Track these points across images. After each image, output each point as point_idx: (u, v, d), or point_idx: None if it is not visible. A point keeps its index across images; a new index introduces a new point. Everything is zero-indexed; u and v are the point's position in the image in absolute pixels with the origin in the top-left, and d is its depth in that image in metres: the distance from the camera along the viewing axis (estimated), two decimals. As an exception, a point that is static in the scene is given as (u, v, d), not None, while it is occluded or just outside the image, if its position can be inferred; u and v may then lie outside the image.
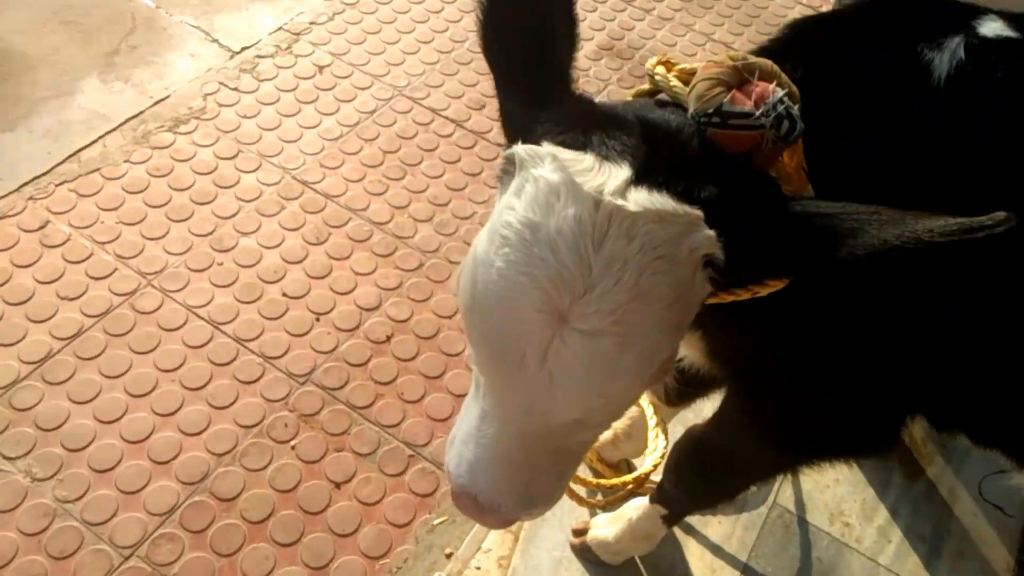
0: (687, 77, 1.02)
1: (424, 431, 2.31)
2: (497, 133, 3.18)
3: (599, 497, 2.08)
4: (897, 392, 1.34)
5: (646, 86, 1.11)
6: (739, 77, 0.96)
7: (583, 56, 3.60)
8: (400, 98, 3.24)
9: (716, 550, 2.11)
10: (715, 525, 2.15)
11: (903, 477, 2.29)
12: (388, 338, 2.49)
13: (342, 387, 2.35)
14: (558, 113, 0.96)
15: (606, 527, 2.03)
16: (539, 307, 0.87)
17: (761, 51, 1.18)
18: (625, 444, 2.13)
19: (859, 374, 1.27)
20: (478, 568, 2.00)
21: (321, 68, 3.30)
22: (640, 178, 0.87)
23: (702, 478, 1.73)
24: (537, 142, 0.91)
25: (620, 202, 0.84)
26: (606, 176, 0.86)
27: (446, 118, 3.20)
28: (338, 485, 2.17)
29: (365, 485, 2.17)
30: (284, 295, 2.54)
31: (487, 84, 3.37)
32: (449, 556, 2.06)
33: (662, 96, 1.07)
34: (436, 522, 2.15)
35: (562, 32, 0.99)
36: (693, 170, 0.91)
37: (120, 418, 2.19)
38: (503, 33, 0.97)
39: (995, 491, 2.25)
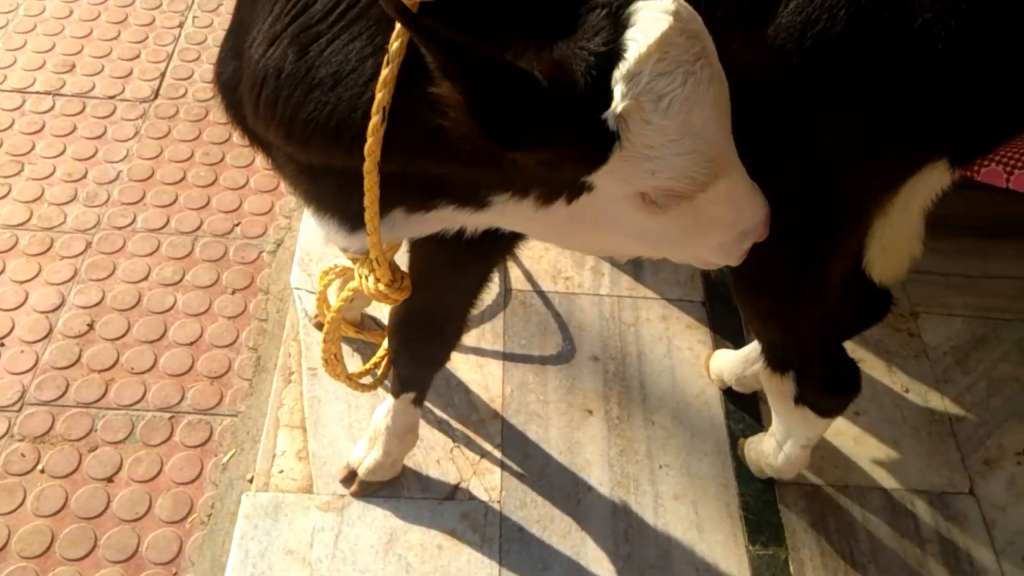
0: None
1: (173, 390, 2.24)
2: (105, 86, 2.95)
3: (371, 379, 1.97)
4: None
5: None
6: None
7: (154, -21, 3.38)
8: (-26, 93, 2.87)
9: (477, 351, 2.33)
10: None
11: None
12: (90, 326, 2.34)
13: (65, 393, 2.20)
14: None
15: (371, 451, 1.98)
16: None
17: None
18: (357, 300, 2.20)
19: None
20: (282, 472, 2.05)
21: None
22: None
23: (422, 341, 1.78)
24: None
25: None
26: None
27: (37, 93, 2.90)
28: (110, 479, 2.07)
29: (138, 466, 2.10)
30: (-51, 339, 2.26)
31: (64, 43, 3.08)
32: (251, 480, 2.08)
33: None
34: (226, 459, 2.14)
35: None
36: None
37: None
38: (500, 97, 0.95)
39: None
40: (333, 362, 1.79)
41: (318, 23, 1.11)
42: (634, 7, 0.99)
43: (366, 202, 1.20)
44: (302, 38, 1.12)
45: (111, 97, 2.94)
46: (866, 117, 1.20)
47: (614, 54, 0.98)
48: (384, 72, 1.03)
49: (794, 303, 1.34)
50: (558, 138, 1.01)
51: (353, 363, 2.27)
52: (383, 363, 1.93)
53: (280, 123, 1.17)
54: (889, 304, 1.85)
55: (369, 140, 1.08)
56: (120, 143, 2.80)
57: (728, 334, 2.40)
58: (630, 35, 0.98)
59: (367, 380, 1.93)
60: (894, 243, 1.50)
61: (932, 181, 1.36)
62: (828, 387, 1.73)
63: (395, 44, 1.01)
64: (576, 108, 0.98)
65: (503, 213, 1.19)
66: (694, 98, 1.00)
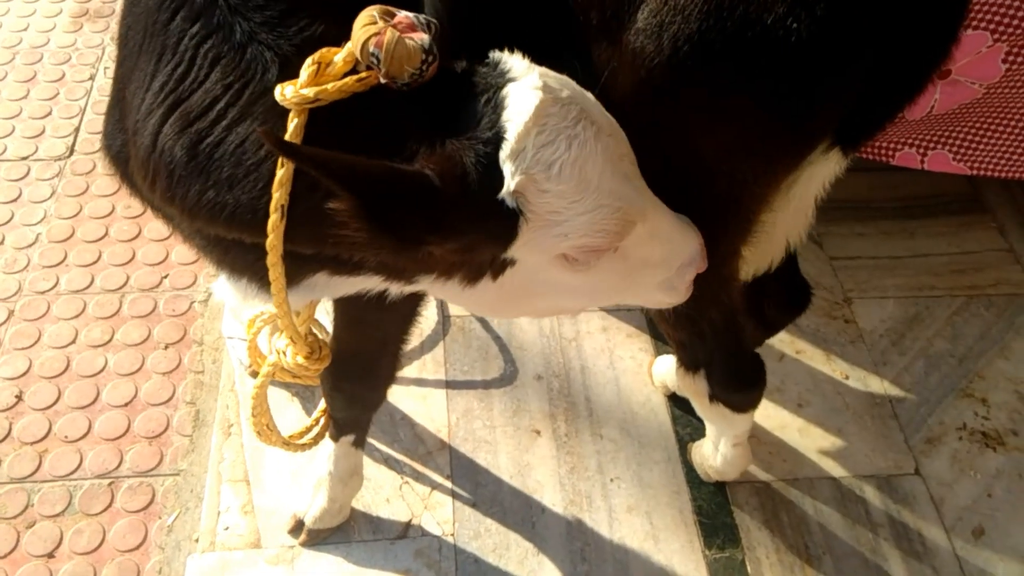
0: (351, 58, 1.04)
1: (110, 455, 2.18)
2: (17, 147, 2.87)
3: (310, 437, 1.90)
4: None
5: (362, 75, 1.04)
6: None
7: (61, 31, 3.30)
8: None
9: (419, 382, 2.31)
10: (407, 365, 2.33)
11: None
12: (18, 397, 2.26)
13: (-4, 470, 2.13)
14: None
15: (316, 499, 1.96)
16: None
17: None
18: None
19: None
20: (227, 528, 2.00)
21: None
22: None
23: (354, 382, 1.75)
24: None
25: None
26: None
27: (-53, 160, 2.81)
28: (51, 554, 2.00)
29: (79, 537, 2.03)
30: None
31: (-28, 105, 2.99)
32: (197, 540, 2.03)
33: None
34: (171, 521, 2.08)
35: None
36: None
37: None
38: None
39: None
40: (266, 432, 1.73)
41: (198, 120, 1.10)
42: (506, 90, 1.04)
43: (273, 290, 1.20)
44: (186, 138, 1.11)
45: (24, 158, 2.86)
46: (735, 114, 1.20)
47: (498, 138, 1.02)
48: (280, 173, 1.05)
49: (696, 302, 1.35)
50: (462, 228, 1.04)
51: (293, 407, 2.24)
52: (323, 418, 1.89)
53: (182, 211, 1.17)
54: (809, 296, 1.87)
55: (270, 236, 1.09)
56: (36, 204, 2.73)
57: (668, 339, 2.41)
58: (506, 116, 1.03)
59: (306, 439, 1.88)
60: (776, 234, 1.51)
61: (825, 170, 1.37)
62: (733, 382, 1.74)
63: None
64: (472, 196, 1.02)
65: (432, 288, 1.22)
66: (583, 157, 1.04)
